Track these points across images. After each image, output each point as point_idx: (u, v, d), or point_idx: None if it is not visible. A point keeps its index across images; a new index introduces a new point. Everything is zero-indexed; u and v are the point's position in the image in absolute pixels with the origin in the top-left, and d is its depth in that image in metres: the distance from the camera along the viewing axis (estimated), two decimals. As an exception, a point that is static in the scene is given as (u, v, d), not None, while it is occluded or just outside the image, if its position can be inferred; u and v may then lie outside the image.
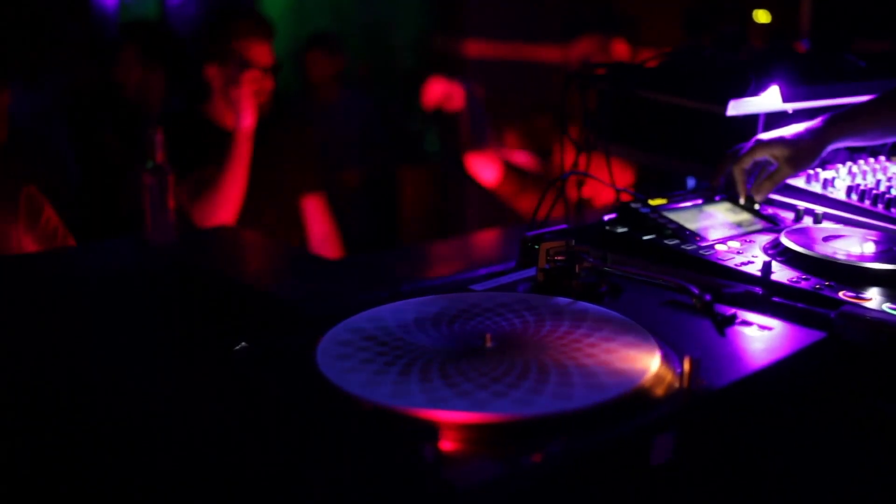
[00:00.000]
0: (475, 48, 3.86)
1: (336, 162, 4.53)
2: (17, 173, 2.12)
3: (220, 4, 6.57)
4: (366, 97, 4.85)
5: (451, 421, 0.78)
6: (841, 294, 1.09)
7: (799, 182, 1.52)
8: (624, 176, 2.47)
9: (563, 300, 1.06)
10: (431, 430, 0.78)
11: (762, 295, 1.09)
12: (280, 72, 2.85)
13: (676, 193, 1.44)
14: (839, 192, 1.48)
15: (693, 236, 1.29)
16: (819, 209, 1.43)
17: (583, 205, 1.76)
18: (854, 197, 1.46)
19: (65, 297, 1.51)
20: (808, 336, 1.00)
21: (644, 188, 1.88)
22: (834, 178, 1.53)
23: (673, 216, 1.33)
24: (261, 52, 2.79)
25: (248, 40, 2.80)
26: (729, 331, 1.01)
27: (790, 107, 1.53)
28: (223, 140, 2.88)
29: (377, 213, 4.97)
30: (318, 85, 4.59)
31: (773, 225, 1.39)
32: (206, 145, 2.81)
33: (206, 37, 2.87)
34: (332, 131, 4.54)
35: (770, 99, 1.46)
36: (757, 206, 1.44)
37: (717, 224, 1.35)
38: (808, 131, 1.39)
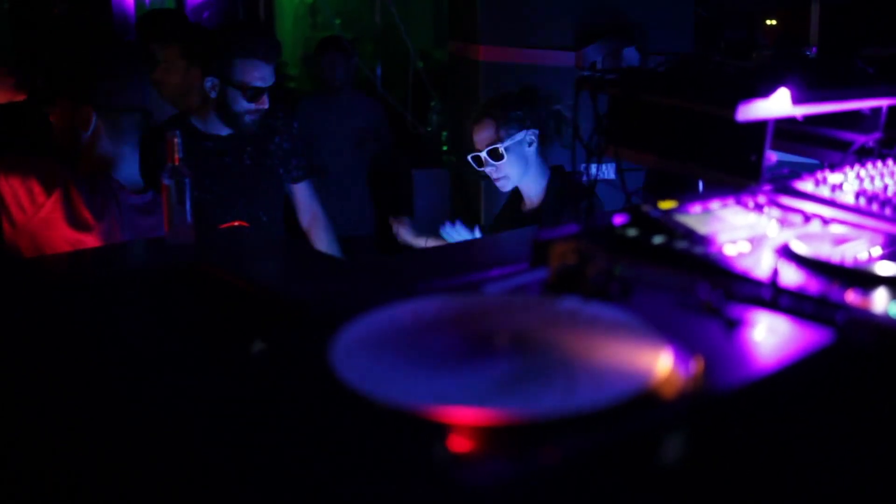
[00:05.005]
0: (488, 53, 3.87)
1: (345, 161, 4.59)
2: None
3: (235, 7, 6.60)
4: (377, 101, 4.89)
5: (464, 421, 0.80)
6: (848, 297, 1.10)
7: (807, 186, 1.53)
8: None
9: (574, 301, 1.08)
10: (444, 430, 0.79)
11: (770, 298, 1.10)
12: (265, 93, 2.86)
13: (687, 197, 1.45)
14: (847, 196, 1.49)
15: (703, 239, 1.30)
16: (827, 213, 1.44)
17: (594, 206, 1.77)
18: (862, 201, 1.47)
19: (82, 298, 1.52)
20: (816, 339, 1.01)
21: (655, 191, 1.90)
22: (842, 183, 1.54)
23: (684, 219, 1.35)
24: (264, 75, 2.85)
25: (254, 61, 2.83)
26: (737, 333, 1.02)
27: (800, 111, 1.54)
28: (216, 149, 2.92)
29: (390, 213, 5.00)
30: (332, 86, 4.64)
31: (783, 228, 1.41)
32: (199, 159, 2.84)
33: (209, 47, 2.92)
34: (344, 131, 4.60)
35: (780, 102, 1.47)
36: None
37: (727, 227, 1.36)
38: None
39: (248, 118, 2.88)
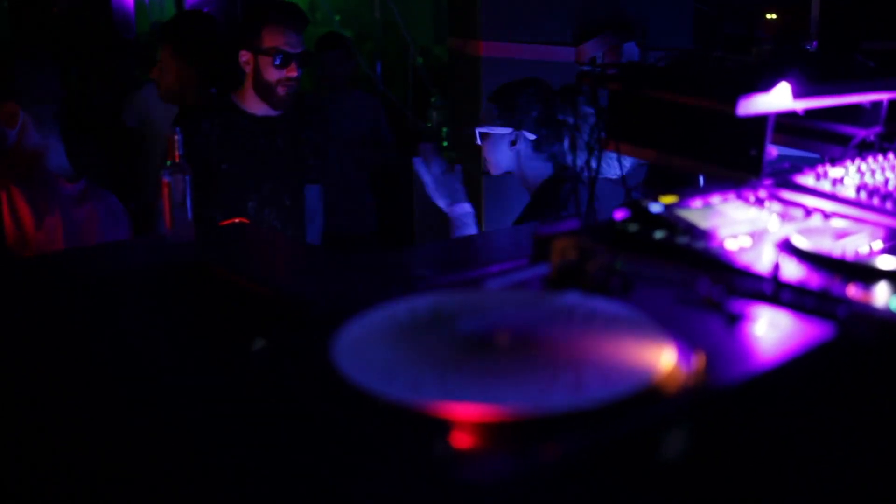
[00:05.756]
0: (488, 49, 3.87)
1: (345, 160, 4.60)
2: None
3: (234, 4, 6.61)
4: (375, 98, 4.89)
5: (465, 417, 0.80)
6: (849, 292, 1.10)
7: (808, 180, 1.53)
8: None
9: (575, 296, 1.08)
10: (445, 427, 0.79)
11: (772, 293, 1.10)
12: (308, 63, 2.98)
13: (688, 191, 1.45)
14: (848, 190, 1.49)
15: (704, 234, 1.30)
16: (828, 207, 1.44)
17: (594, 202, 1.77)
18: (863, 195, 1.47)
19: (83, 297, 1.53)
20: (817, 333, 1.01)
21: (655, 186, 1.89)
22: (843, 177, 1.54)
23: (684, 214, 1.35)
24: (292, 41, 2.94)
25: (281, 28, 2.92)
26: (738, 327, 1.02)
27: (801, 105, 1.54)
28: (252, 127, 3.01)
29: (391, 210, 5.00)
30: (331, 84, 4.64)
31: (784, 222, 1.41)
32: (234, 133, 2.98)
33: (241, 23, 3.05)
34: (343, 129, 4.61)
35: (780, 97, 1.47)
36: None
37: (728, 222, 1.36)
38: None
39: (281, 90, 2.96)
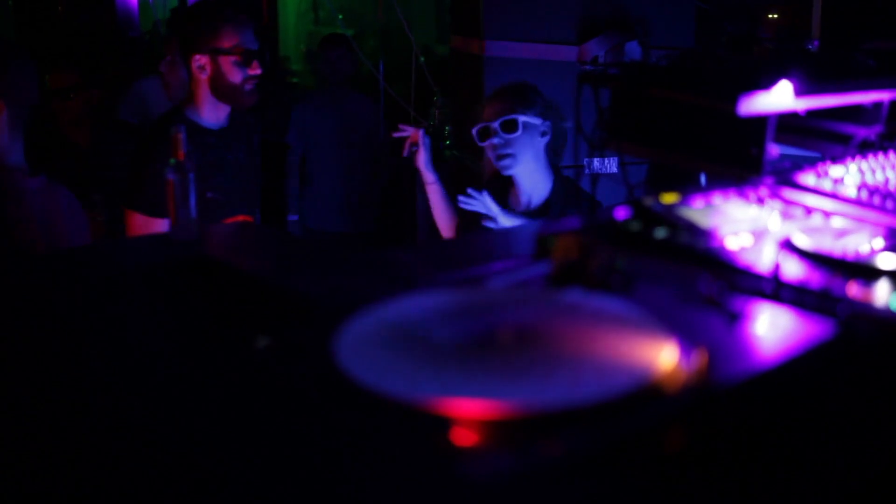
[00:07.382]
0: (490, 48, 3.87)
1: (344, 161, 4.68)
2: None
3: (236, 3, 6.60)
4: (374, 103, 4.98)
5: (468, 414, 0.80)
6: (850, 290, 1.11)
7: (809, 179, 1.53)
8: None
9: (576, 294, 1.08)
10: (448, 424, 0.80)
11: (772, 291, 1.11)
12: (255, 57, 2.81)
13: (689, 190, 1.46)
14: (849, 190, 1.49)
15: (705, 233, 1.31)
16: (829, 206, 1.44)
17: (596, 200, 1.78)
18: (864, 194, 1.47)
19: (86, 294, 1.53)
20: (817, 332, 1.01)
21: (657, 185, 1.90)
22: (843, 176, 1.54)
23: (686, 213, 1.35)
24: (249, 38, 2.80)
25: (238, 25, 2.78)
26: (739, 326, 1.03)
27: (802, 104, 1.54)
28: (218, 144, 2.83)
29: (394, 209, 5.03)
30: (333, 84, 4.71)
31: (784, 221, 1.41)
32: (209, 156, 2.79)
33: (190, 27, 2.83)
34: (341, 131, 4.71)
35: (782, 95, 1.47)
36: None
37: (729, 221, 1.37)
38: None
39: (247, 87, 2.79)
